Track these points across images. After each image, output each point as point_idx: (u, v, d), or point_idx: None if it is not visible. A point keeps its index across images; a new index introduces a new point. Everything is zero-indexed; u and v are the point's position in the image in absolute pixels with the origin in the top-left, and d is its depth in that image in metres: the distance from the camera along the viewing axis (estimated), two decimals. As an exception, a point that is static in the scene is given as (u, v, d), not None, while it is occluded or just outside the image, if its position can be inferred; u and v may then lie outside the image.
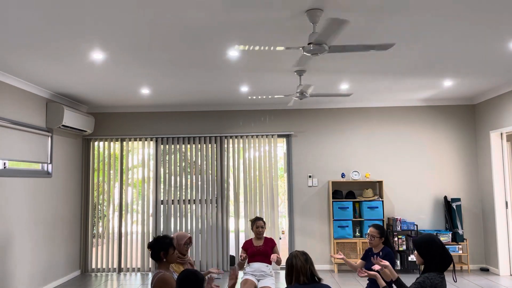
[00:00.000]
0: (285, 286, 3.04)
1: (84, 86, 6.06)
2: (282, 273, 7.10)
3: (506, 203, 6.82)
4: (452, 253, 7.04)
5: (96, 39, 4.11)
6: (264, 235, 5.39)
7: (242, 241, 7.44)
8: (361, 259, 4.41)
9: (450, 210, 7.25)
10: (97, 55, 4.60)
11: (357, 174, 7.36)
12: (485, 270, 7.11)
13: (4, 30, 3.81)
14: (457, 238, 7.10)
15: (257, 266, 5.18)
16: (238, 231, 7.48)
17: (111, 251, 7.48)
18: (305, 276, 3.00)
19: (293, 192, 7.54)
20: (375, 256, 3.92)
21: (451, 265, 3.19)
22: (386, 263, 3.46)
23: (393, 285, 3.22)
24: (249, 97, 5.57)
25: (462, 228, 7.12)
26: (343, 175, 7.40)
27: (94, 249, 7.54)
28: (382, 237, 4.23)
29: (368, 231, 4.29)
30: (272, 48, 3.54)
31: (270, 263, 5.21)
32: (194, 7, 3.40)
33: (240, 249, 5.42)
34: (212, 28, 3.87)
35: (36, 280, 5.99)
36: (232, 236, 7.75)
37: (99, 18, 3.59)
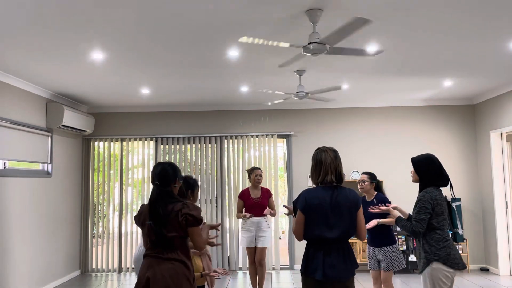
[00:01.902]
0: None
1: (84, 86, 6.06)
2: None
3: (506, 203, 6.82)
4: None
5: (96, 39, 4.11)
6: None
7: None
8: None
9: (450, 210, 7.25)
10: (97, 55, 4.60)
11: (357, 174, 7.36)
12: (485, 270, 7.11)
13: (4, 30, 3.81)
14: (457, 238, 7.10)
15: (254, 220, 5.42)
16: (238, 231, 7.47)
17: (111, 251, 7.48)
18: (333, 174, 2.73)
19: (293, 192, 7.53)
20: (376, 205, 4.08)
21: (449, 186, 3.24)
22: (387, 208, 3.48)
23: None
24: (261, 90, 5.47)
25: (462, 228, 7.12)
26: (343, 175, 7.39)
27: (94, 249, 7.53)
28: (372, 182, 4.34)
29: (359, 178, 4.41)
30: (274, 43, 3.54)
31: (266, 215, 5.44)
32: (194, 7, 3.40)
33: (237, 199, 5.53)
34: (212, 28, 3.87)
35: (36, 280, 5.99)
36: (233, 236, 7.73)
37: (99, 18, 3.59)
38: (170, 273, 2.66)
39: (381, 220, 4.09)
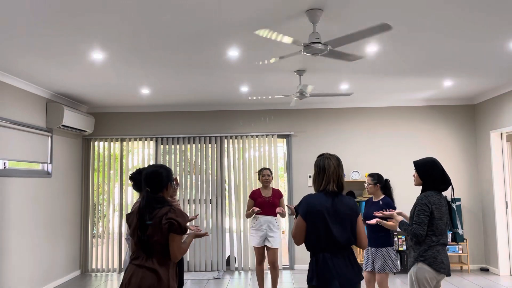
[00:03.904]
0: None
1: (84, 86, 6.06)
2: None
3: (506, 203, 6.82)
4: (452, 253, 7.05)
5: (96, 39, 4.11)
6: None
7: (242, 241, 7.44)
8: (364, 207, 4.59)
9: (450, 210, 7.23)
10: (97, 55, 4.60)
11: (357, 174, 7.36)
12: (485, 270, 7.11)
13: (5, 30, 3.81)
14: (457, 238, 7.10)
15: (265, 219, 5.44)
16: (240, 231, 7.47)
17: (111, 251, 7.48)
18: (336, 183, 2.71)
19: (293, 192, 7.53)
20: (380, 209, 4.20)
21: (450, 189, 3.30)
22: (390, 213, 3.56)
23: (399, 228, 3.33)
24: (249, 98, 5.59)
25: (462, 228, 7.12)
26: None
27: (94, 249, 7.54)
28: (376, 183, 4.40)
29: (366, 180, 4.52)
30: (271, 60, 3.54)
31: (276, 215, 5.46)
32: (193, 8, 3.40)
33: (248, 199, 5.58)
34: (212, 28, 3.87)
35: (36, 280, 5.99)
36: (233, 236, 7.74)
37: (99, 18, 3.59)
38: (139, 281, 2.60)
39: (382, 221, 4.11)
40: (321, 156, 2.80)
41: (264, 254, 5.50)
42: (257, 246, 5.41)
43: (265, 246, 5.44)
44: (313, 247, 2.70)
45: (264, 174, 5.52)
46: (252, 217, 5.49)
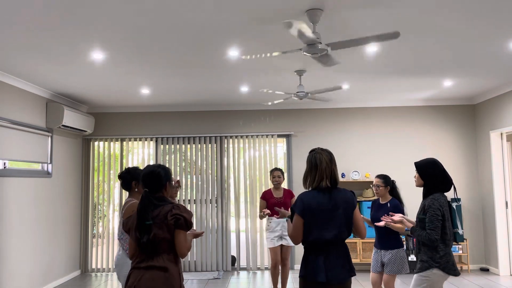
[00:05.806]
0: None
1: (84, 86, 6.06)
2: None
3: (506, 203, 6.82)
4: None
5: (96, 39, 4.11)
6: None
7: (242, 241, 7.44)
8: (371, 209, 4.52)
9: (450, 210, 7.23)
10: (97, 55, 4.60)
11: (357, 174, 7.36)
12: (485, 270, 7.11)
13: (5, 30, 3.81)
14: (457, 238, 7.07)
15: (277, 220, 5.48)
16: (239, 231, 7.48)
17: (111, 251, 7.48)
18: (328, 178, 2.68)
19: (293, 192, 7.52)
20: (388, 212, 4.17)
21: (452, 189, 3.29)
22: (399, 218, 3.56)
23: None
24: (254, 101, 5.57)
25: (462, 228, 7.11)
26: (343, 175, 7.40)
27: (94, 249, 7.53)
28: (387, 185, 4.31)
29: (373, 182, 4.40)
30: (274, 54, 3.55)
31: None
32: (194, 7, 3.40)
33: (259, 200, 5.57)
34: (212, 28, 3.87)
35: (36, 280, 5.99)
36: (232, 236, 7.75)
37: (99, 18, 3.59)
38: (149, 283, 2.56)
39: (391, 223, 4.05)
40: (312, 151, 2.77)
41: (279, 254, 5.50)
42: (272, 246, 5.42)
43: (281, 245, 5.46)
44: (308, 242, 2.71)
45: (275, 176, 5.52)
46: (266, 219, 5.51)
